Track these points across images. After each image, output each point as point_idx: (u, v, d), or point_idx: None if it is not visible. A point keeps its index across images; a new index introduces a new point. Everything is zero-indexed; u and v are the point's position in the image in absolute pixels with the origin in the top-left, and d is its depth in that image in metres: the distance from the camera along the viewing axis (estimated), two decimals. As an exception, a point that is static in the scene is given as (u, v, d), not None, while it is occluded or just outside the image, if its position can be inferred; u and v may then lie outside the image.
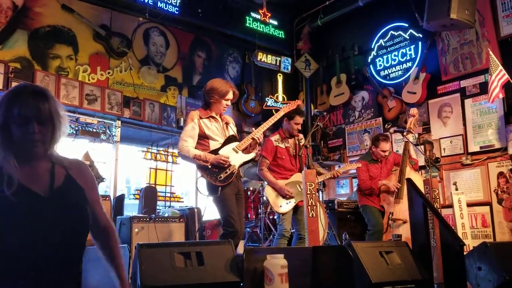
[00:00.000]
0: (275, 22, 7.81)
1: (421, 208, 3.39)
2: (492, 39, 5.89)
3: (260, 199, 5.75)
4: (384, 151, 5.24)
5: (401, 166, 5.08)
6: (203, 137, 3.73)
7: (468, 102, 6.11)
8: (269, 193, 4.54)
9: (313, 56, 7.96)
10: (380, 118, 7.13)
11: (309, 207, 3.64)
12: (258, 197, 5.91)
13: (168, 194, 6.42)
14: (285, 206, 4.46)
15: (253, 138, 3.77)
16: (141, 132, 6.42)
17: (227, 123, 3.90)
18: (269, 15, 7.60)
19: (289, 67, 7.90)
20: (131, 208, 5.94)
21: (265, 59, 7.57)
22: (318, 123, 4.83)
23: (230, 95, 3.80)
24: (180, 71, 7.10)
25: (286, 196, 4.45)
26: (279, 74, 8.01)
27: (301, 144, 4.64)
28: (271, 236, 5.63)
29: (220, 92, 3.74)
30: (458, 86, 6.24)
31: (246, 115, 7.60)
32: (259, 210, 5.71)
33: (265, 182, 4.80)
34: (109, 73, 6.27)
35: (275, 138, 4.66)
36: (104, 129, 5.87)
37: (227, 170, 3.63)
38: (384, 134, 5.30)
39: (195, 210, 5.24)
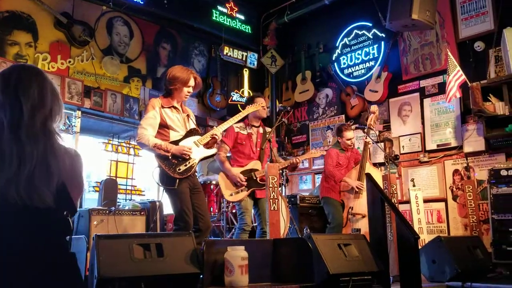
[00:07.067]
0: (242, 17, 7.79)
1: (379, 202, 3.48)
2: (451, 41, 6.08)
3: (223, 193, 5.73)
4: (349, 139, 5.37)
5: (361, 162, 5.17)
6: (163, 127, 3.65)
7: (427, 101, 6.29)
8: (220, 180, 4.49)
9: (279, 52, 7.99)
10: (343, 115, 7.26)
11: (271, 200, 3.66)
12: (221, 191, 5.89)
13: (129, 187, 6.30)
14: (235, 195, 4.41)
15: (212, 136, 3.73)
16: (102, 123, 6.27)
17: (188, 115, 3.84)
18: (236, 9, 7.58)
19: (255, 63, 7.91)
20: (91, 201, 5.80)
21: (231, 53, 7.55)
22: (283, 118, 4.85)
23: (192, 82, 3.73)
24: (144, 62, 6.97)
25: (237, 184, 4.39)
26: (245, 69, 8.01)
27: (267, 136, 4.60)
28: (234, 230, 5.63)
29: (182, 80, 3.66)
30: (418, 86, 6.43)
31: (211, 109, 7.55)
32: (222, 204, 5.70)
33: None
34: (70, 62, 6.09)
35: (238, 125, 4.59)
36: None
37: (187, 163, 3.57)
38: (345, 124, 5.46)
39: (157, 203, 5.17)
